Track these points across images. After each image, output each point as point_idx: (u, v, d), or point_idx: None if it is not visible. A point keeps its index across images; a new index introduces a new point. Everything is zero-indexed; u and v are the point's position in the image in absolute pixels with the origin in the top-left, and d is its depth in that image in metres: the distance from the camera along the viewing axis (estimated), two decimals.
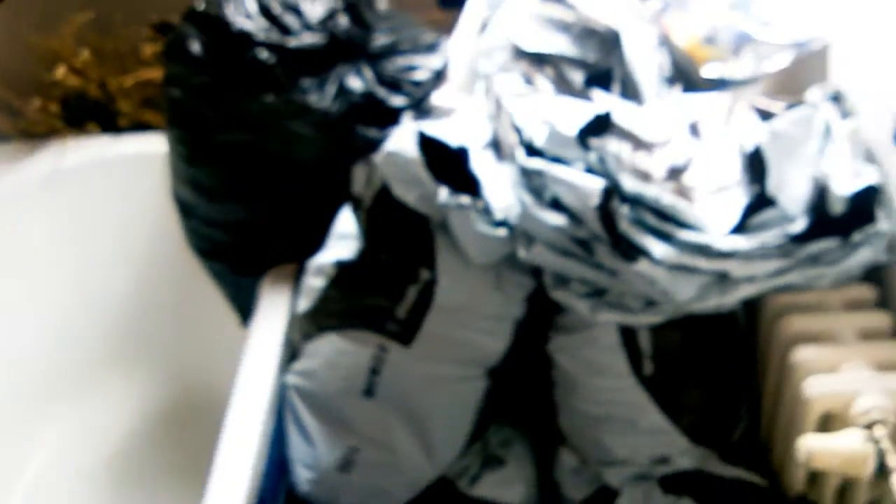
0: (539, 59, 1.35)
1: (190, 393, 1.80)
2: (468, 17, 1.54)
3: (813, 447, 0.99)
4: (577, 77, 1.33)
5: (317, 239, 1.35)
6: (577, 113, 1.15)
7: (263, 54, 1.34)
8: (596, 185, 1.04)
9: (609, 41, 1.36)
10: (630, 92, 1.32)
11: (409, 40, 1.47)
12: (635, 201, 1.06)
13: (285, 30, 1.39)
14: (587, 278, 1.11)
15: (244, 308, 1.47)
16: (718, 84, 1.34)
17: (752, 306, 1.20)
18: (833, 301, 1.14)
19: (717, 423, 1.22)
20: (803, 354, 1.08)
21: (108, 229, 1.77)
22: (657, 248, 1.05)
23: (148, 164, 1.60)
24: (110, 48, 1.82)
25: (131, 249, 1.79)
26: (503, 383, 1.26)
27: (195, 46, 1.37)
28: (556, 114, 1.15)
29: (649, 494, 1.19)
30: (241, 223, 1.41)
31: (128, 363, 1.84)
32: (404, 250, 1.18)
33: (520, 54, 1.36)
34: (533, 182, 1.13)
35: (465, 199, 1.10)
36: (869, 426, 1.01)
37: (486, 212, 1.12)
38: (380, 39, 1.44)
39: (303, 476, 1.21)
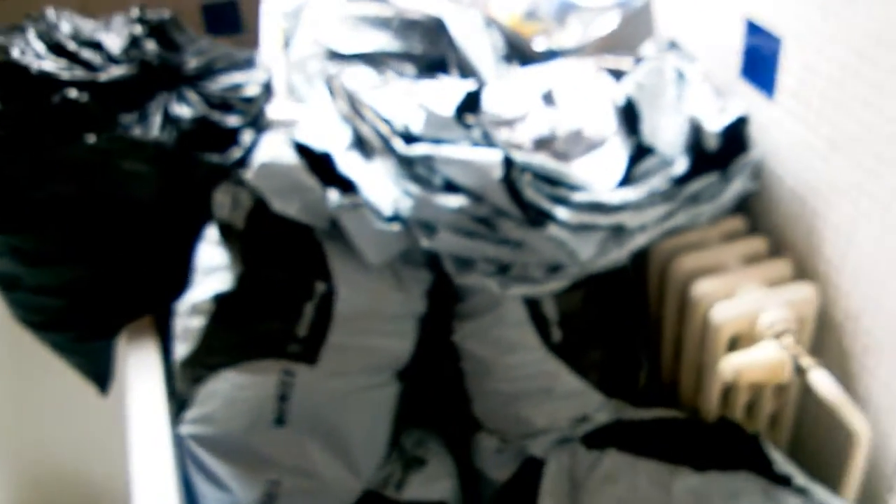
0: (361, 60, 1.30)
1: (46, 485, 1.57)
2: (268, 34, 1.47)
3: (737, 365, 1.05)
4: (408, 70, 1.30)
5: (171, 283, 1.21)
6: (445, 94, 1.12)
7: (73, 93, 1.19)
8: (495, 157, 1.00)
9: (433, 30, 1.33)
10: (468, 75, 1.30)
11: (223, 58, 1.36)
12: (525, 171, 1.04)
13: (88, 66, 1.24)
14: (491, 256, 1.08)
15: (100, 375, 1.30)
16: (550, 55, 1.36)
17: (639, 259, 1.22)
18: (713, 236, 1.19)
19: (624, 374, 1.24)
20: (702, 288, 1.12)
21: None
22: (560, 211, 1.03)
23: None
24: None
25: None
26: (410, 385, 1.20)
27: None
28: (424, 97, 1.10)
29: (574, 454, 1.20)
30: (77, 284, 1.24)
31: None
32: (293, 267, 1.08)
33: (337, 58, 1.30)
34: (416, 170, 1.08)
35: (357, 199, 1.03)
36: (778, 336, 1.06)
37: (374, 210, 1.05)
38: (193, 61, 1.32)
39: None
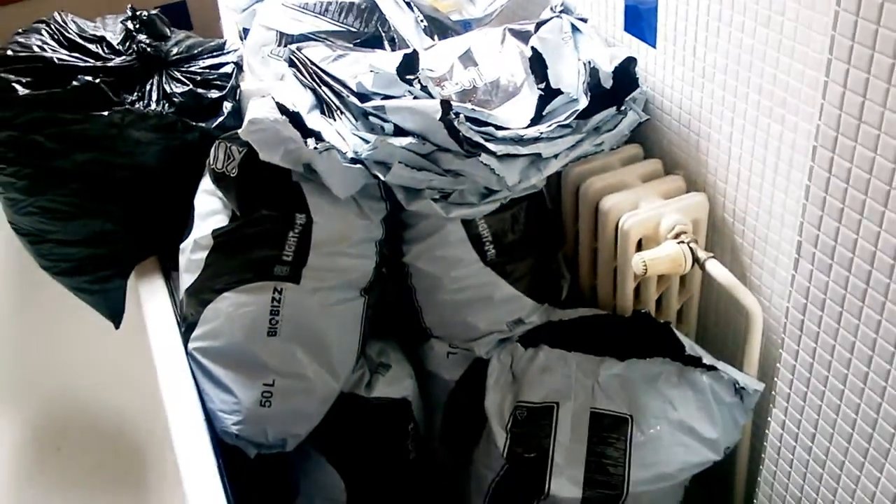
0: (309, 41, 1.43)
1: (60, 410, 1.66)
2: (228, 25, 1.61)
3: (646, 258, 1.16)
4: (349, 45, 1.42)
5: (169, 229, 1.34)
6: (387, 59, 1.24)
7: (88, 79, 1.31)
8: (434, 102, 1.13)
9: (366, 11, 1.47)
10: (400, 47, 1.43)
11: (199, 45, 1.51)
12: (458, 114, 1.16)
13: (96, 56, 1.37)
14: (435, 186, 1.20)
15: (114, 311, 1.42)
16: (465, 25, 1.50)
17: (555, 186, 1.34)
18: (615, 161, 1.32)
19: (549, 283, 1.36)
20: (610, 201, 1.25)
21: None
22: (489, 144, 1.15)
23: None
24: None
25: None
26: (373, 301, 1.32)
27: (17, 88, 1.30)
28: (371, 63, 1.22)
29: (514, 352, 1.32)
30: (97, 235, 1.36)
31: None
32: (277, 204, 1.20)
33: (287, 40, 1.42)
34: (370, 122, 1.20)
35: (326, 145, 1.15)
36: (676, 237, 1.18)
37: (339, 153, 1.17)
38: (176, 48, 1.46)
39: (229, 422, 1.21)
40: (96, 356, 1.54)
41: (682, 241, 1.17)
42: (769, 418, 1.08)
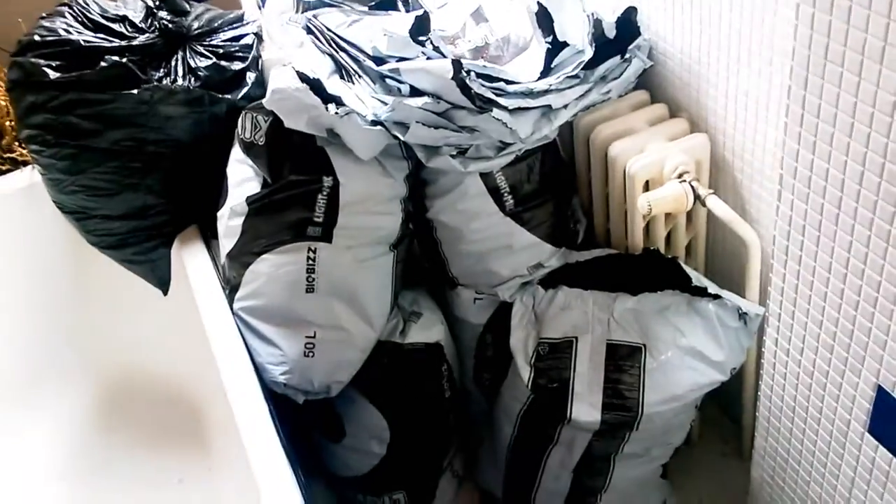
0: (323, 6, 1.47)
1: (120, 374, 1.77)
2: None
3: (650, 198, 1.23)
4: (363, 9, 1.46)
5: (206, 198, 1.41)
6: (400, 22, 1.29)
7: (115, 58, 1.36)
8: (446, 62, 1.18)
9: None
10: (413, 7, 1.47)
11: (218, 18, 1.55)
12: (470, 71, 1.22)
13: (120, 36, 1.42)
14: (452, 142, 1.26)
15: (161, 279, 1.50)
16: None
17: (567, 135, 1.40)
18: (623, 108, 1.37)
19: (565, 228, 1.43)
20: (618, 147, 1.31)
21: None
22: (500, 99, 1.21)
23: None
24: None
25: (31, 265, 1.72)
26: (402, 254, 1.39)
27: (48, 72, 1.35)
28: (385, 27, 1.28)
29: (535, 294, 1.40)
30: (139, 209, 1.44)
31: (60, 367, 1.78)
32: (305, 168, 1.27)
33: (304, 6, 1.47)
34: (387, 84, 1.26)
35: (347, 110, 1.20)
36: (680, 175, 1.24)
37: (360, 116, 1.23)
38: (197, 23, 1.50)
39: (276, 373, 1.30)
40: (149, 323, 1.63)
41: (684, 181, 1.24)
42: (764, 337, 1.16)
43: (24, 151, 1.66)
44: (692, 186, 1.24)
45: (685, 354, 1.28)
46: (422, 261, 1.46)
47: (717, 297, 1.30)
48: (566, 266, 1.40)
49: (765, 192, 1.25)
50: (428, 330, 1.41)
